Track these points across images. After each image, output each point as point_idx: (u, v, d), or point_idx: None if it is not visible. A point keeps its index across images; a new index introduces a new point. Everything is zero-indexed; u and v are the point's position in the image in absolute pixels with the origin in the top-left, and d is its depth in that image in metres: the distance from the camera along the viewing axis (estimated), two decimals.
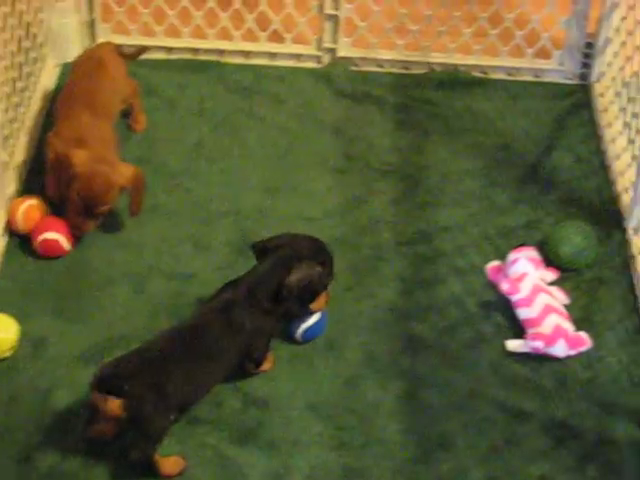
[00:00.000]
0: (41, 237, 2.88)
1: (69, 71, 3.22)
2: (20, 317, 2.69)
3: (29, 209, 2.93)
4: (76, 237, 2.91)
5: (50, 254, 2.89)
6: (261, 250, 2.68)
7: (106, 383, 2.34)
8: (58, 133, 2.98)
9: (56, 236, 2.88)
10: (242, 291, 2.57)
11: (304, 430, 2.53)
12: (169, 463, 2.43)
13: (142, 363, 2.40)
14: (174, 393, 2.39)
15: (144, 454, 2.39)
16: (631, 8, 3.17)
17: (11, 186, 3.00)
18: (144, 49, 3.36)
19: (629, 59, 3.20)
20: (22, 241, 2.93)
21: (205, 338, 2.50)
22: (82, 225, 2.89)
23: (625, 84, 3.24)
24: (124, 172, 2.90)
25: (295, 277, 2.57)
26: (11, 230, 2.93)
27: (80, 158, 2.86)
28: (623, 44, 3.26)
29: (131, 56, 3.32)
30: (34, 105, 3.27)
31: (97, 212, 2.88)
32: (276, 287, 2.57)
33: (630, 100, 3.17)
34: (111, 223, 2.98)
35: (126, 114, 3.21)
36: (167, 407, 2.40)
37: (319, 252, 2.68)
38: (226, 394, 2.59)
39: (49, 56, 3.45)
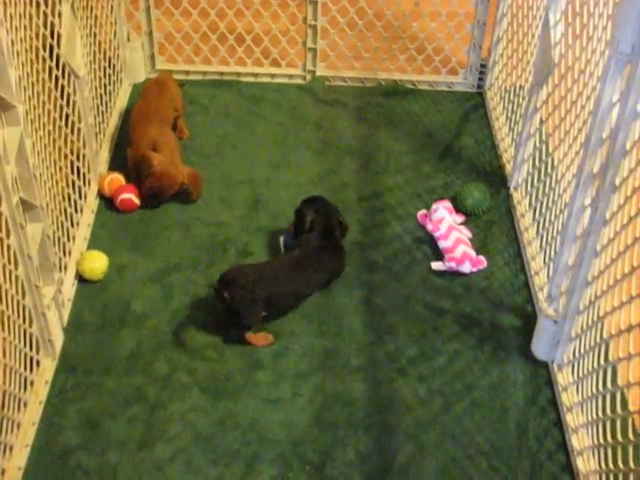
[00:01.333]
0: (120, 197, 2.84)
1: (139, 94, 3.16)
2: (108, 252, 2.67)
3: (112, 180, 2.89)
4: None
5: (126, 208, 2.85)
6: (302, 212, 2.65)
7: (222, 281, 2.42)
8: (136, 141, 2.92)
9: (129, 195, 2.84)
10: (321, 238, 2.60)
11: (297, 325, 2.52)
12: (259, 338, 2.46)
13: (241, 271, 2.46)
14: (263, 297, 2.42)
15: (237, 334, 2.44)
16: (509, 41, 3.14)
17: (100, 166, 2.96)
18: (183, 84, 3.35)
19: (509, 74, 3.17)
20: (108, 203, 2.89)
21: (298, 269, 2.53)
22: (152, 203, 2.87)
23: (507, 91, 3.21)
24: (185, 173, 2.86)
25: (344, 222, 2.67)
26: (100, 194, 2.89)
27: (158, 160, 2.81)
28: (505, 65, 3.23)
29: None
30: (115, 112, 3.22)
31: (165, 198, 2.87)
32: (333, 231, 2.62)
33: (510, 102, 3.14)
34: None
35: (173, 127, 3.14)
36: (256, 304, 2.41)
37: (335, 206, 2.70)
38: None
39: (124, 78, 3.40)
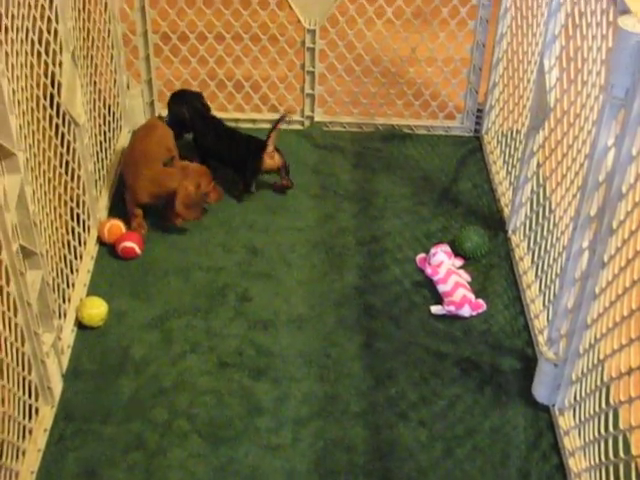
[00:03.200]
0: (121, 245, 2.84)
1: (131, 137, 3.20)
2: (107, 298, 2.67)
3: (111, 226, 2.90)
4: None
5: (128, 256, 2.85)
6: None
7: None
8: (132, 184, 2.95)
9: (131, 244, 2.85)
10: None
11: (297, 370, 2.51)
12: None
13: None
14: None
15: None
16: (505, 86, 3.17)
17: (100, 213, 2.97)
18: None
19: (505, 119, 3.20)
20: (107, 249, 2.90)
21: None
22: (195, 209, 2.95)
23: (503, 135, 3.24)
24: (184, 184, 2.89)
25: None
26: (100, 241, 2.90)
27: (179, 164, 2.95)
28: (501, 109, 3.26)
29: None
30: (114, 158, 3.25)
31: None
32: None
33: (507, 145, 3.17)
34: (168, 235, 2.94)
35: None
36: None
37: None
38: (245, 346, 2.57)
39: (124, 126, 3.43)
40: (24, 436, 2.22)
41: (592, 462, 2.14)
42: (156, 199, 2.91)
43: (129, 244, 2.84)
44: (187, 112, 3.21)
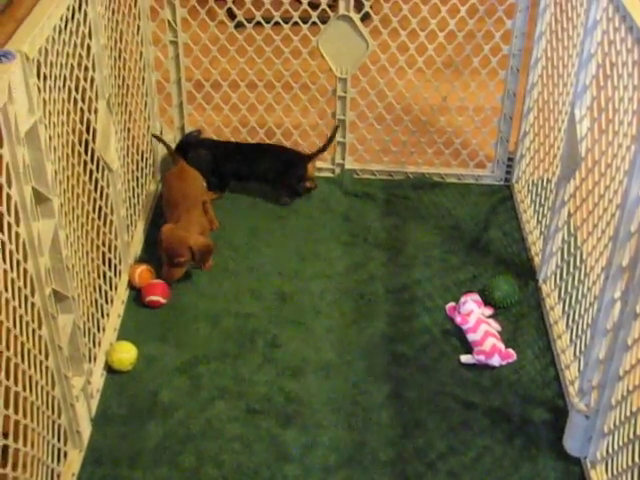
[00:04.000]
0: (148, 298, 2.87)
1: (163, 184, 3.26)
2: (137, 342, 2.69)
3: (142, 271, 2.93)
4: (169, 283, 2.91)
5: (154, 307, 2.87)
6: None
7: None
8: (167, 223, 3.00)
9: (157, 298, 2.87)
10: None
11: (325, 417, 2.51)
12: None
13: None
14: None
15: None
16: (536, 135, 3.19)
17: (131, 258, 3.01)
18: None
19: (536, 168, 3.21)
20: (138, 293, 2.92)
21: None
22: (169, 273, 2.89)
23: (534, 184, 3.24)
24: (195, 239, 2.88)
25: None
26: (131, 285, 2.93)
27: (167, 228, 2.91)
28: (532, 158, 3.27)
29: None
30: (146, 204, 3.29)
31: (176, 261, 2.86)
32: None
33: (537, 195, 3.17)
34: (197, 281, 2.97)
35: None
36: None
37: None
38: (273, 393, 2.57)
39: (157, 171, 3.47)
40: None
41: None
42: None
43: (154, 298, 2.87)
44: (205, 151, 3.38)
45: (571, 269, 2.72)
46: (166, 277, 2.90)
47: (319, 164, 3.56)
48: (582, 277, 2.59)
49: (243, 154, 3.40)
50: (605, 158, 2.38)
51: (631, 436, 2.11)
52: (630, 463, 2.11)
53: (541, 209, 3.11)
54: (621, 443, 2.17)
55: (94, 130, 2.57)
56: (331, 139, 3.41)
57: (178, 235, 2.88)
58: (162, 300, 2.88)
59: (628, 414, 2.13)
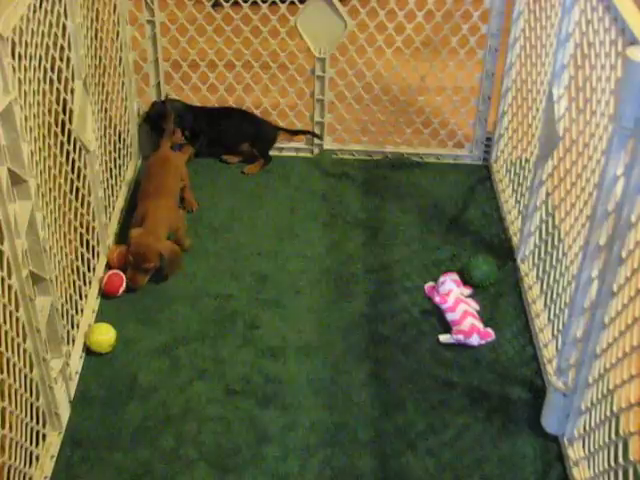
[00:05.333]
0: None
1: (145, 168, 3.21)
2: (116, 324, 2.68)
3: (120, 253, 2.90)
4: (133, 289, 2.86)
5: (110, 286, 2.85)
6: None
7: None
8: (135, 220, 2.95)
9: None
10: None
11: (305, 398, 2.51)
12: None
13: None
14: None
15: None
16: (514, 115, 3.19)
17: (109, 239, 2.99)
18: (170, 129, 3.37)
19: (514, 147, 3.21)
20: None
21: None
22: (134, 278, 2.84)
23: (512, 164, 3.25)
24: (164, 245, 2.84)
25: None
26: (109, 267, 2.91)
27: (135, 233, 2.85)
28: (510, 138, 3.27)
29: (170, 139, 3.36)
30: (124, 185, 3.27)
31: (143, 267, 2.82)
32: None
33: (515, 174, 3.18)
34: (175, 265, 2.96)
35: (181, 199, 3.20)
36: None
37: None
38: (253, 373, 2.57)
39: (134, 152, 3.45)
40: (31, 462, 2.22)
41: None
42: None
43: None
44: (171, 108, 3.36)
45: (549, 248, 2.73)
46: (131, 282, 2.85)
47: (298, 145, 3.55)
48: (560, 256, 2.60)
49: (215, 116, 3.48)
50: (583, 137, 2.38)
51: (608, 414, 2.13)
52: (607, 440, 2.13)
53: (519, 188, 3.12)
54: (598, 421, 2.19)
55: (71, 111, 2.55)
56: (304, 132, 3.49)
57: (147, 241, 2.82)
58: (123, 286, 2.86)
59: (605, 392, 2.15)
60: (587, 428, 2.28)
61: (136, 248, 2.82)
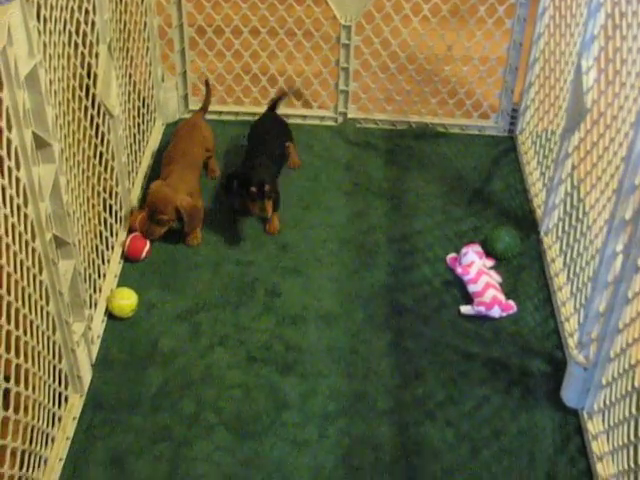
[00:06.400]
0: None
1: (172, 134, 3.19)
2: (138, 289, 2.69)
3: (143, 218, 2.90)
4: (149, 240, 2.86)
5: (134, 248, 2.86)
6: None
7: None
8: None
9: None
10: None
11: (325, 366, 2.52)
12: None
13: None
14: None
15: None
16: (541, 86, 3.15)
17: (132, 204, 2.99)
18: (208, 86, 3.37)
19: (540, 119, 3.18)
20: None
21: None
22: (149, 229, 2.84)
23: (538, 136, 3.22)
24: (182, 199, 2.82)
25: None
26: (132, 232, 2.91)
27: (155, 184, 2.86)
28: (537, 109, 3.24)
29: (207, 103, 3.35)
30: (147, 150, 3.27)
31: (157, 218, 2.82)
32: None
33: (541, 146, 3.15)
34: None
35: (205, 167, 3.20)
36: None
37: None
38: (273, 341, 2.58)
39: (158, 118, 3.45)
40: (53, 423, 2.24)
41: (621, 467, 2.13)
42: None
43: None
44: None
45: (573, 222, 2.71)
46: (146, 233, 2.85)
47: (322, 113, 3.53)
48: (584, 230, 2.58)
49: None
50: (611, 110, 2.36)
51: (629, 388, 2.12)
52: (627, 415, 2.12)
53: (544, 161, 3.10)
54: (619, 395, 2.18)
55: (95, 75, 2.55)
56: (280, 98, 3.40)
57: (165, 192, 2.82)
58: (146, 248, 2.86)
59: (626, 367, 2.14)
60: (607, 402, 2.27)
61: (152, 199, 2.82)
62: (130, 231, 2.90)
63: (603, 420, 2.30)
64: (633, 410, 2.10)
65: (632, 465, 2.07)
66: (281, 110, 3.47)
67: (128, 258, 2.84)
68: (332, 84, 3.48)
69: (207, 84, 3.36)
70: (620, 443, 2.15)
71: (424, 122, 3.53)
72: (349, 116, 3.54)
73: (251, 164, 2.93)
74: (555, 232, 2.91)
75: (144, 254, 2.84)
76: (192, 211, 2.85)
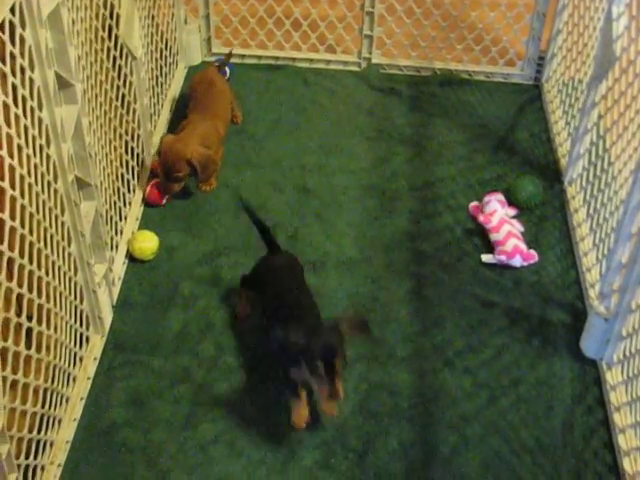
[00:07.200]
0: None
1: (189, 88, 3.14)
2: (159, 233, 2.70)
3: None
4: (166, 195, 2.85)
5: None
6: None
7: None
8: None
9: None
10: None
11: (344, 311, 2.52)
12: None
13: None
14: None
15: None
16: (569, 34, 3.10)
17: (154, 148, 2.98)
18: (230, 55, 3.30)
19: (567, 68, 3.13)
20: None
21: None
22: (166, 187, 2.82)
23: (564, 84, 3.17)
24: (193, 150, 2.77)
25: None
26: (153, 175, 2.91)
27: (166, 140, 2.82)
28: (564, 57, 3.19)
29: (224, 64, 3.27)
30: (169, 94, 3.25)
31: (173, 176, 2.78)
32: None
33: (567, 95, 3.10)
34: (219, 173, 2.95)
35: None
36: None
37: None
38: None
39: (180, 61, 3.42)
40: (75, 363, 2.27)
41: (638, 418, 2.13)
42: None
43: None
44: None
45: (598, 172, 2.68)
46: (164, 190, 2.83)
47: (346, 58, 3.49)
48: (609, 180, 2.55)
49: None
50: None
51: None
52: None
53: (570, 110, 3.05)
54: (638, 347, 2.17)
55: (117, 16, 2.52)
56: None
57: (176, 149, 2.77)
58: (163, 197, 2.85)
59: None
60: (627, 353, 2.26)
61: (164, 157, 2.78)
62: (152, 176, 2.90)
63: (622, 371, 2.30)
64: None
65: None
66: (304, 53, 3.43)
67: (149, 203, 2.84)
68: (356, 29, 3.43)
69: (230, 52, 3.31)
70: (639, 394, 2.14)
71: (449, 69, 3.48)
72: (373, 61, 3.50)
73: (299, 325, 2.09)
74: (579, 182, 2.87)
75: (164, 200, 2.83)
76: (205, 161, 2.80)
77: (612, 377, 2.33)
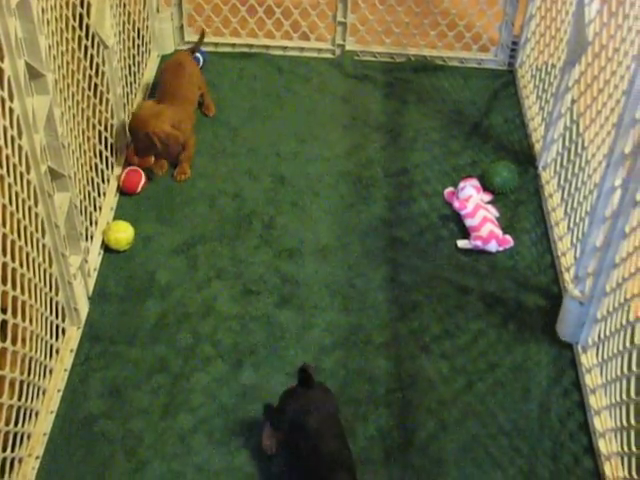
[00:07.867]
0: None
1: (159, 72, 3.14)
2: (134, 222, 2.69)
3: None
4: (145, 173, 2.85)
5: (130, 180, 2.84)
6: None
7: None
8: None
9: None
10: None
11: (321, 299, 2.53)
12: None
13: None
14: None
15: None
16: (542, 18, 3.10)
17: (127, 137, 2.96)
18: (202, 37, 3.28)
19: (540, 52, 3.14)
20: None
21: None
22: (138, 161, 2.84)
23: (538, 69, 3.18)
24: (155, 125, 2.75)
25: None
26: (128, 164, 2.89)
27: (143, 106, 2.85)
28: (537, 42, 3.19)
29: (196, 48, 3.26)
30: (143, 83, 3.23)
31: (137, 148, 2.80)
32: None
33: (541, 80, 3.11)
34: (194, 162, 2.94)
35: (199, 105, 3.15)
36: None
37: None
38: (270, 274, 2.58)
39: (153, 50, 3.40)
40: (51, 355, 2.26)
41: (613, 400, 2.15)
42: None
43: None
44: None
45: (572, 156, 2.69)
46: (138, 163, 2.84)
47: (320, 45, 3.48)
48: (583, 164, 2.56)
49: None
50: (613, 42, 2.32)
51: (623, 322, 2.13)
52: (621, 348, 2.14)
53: (544, 95, 3.06)
54: (613, 329, 2.19)
55: (89, 4, 2.50)
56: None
57: (143, 119, 2.76)
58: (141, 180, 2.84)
59: (622, 301, 2.15)
60: (601, 336, 2.28)
61: (130, 123, 2.80)
62: (126, 164, 2.88)
63: (597, 354, 2.32)
64: (627, 344, 2.11)
65: (624, 397, 2.09)
66: (277, 41, 3.42)
67: (124, 191, 2.82)
68: (330, 15, 3.42)
69: (202, 34, 3.29)
70: (613, 376, 2.16)
71: (423, 55, 3.48)
72: (347, 48, 3.49)
73: None
74: (553, 167, 2.89)
75: (139, 188, 2.82)
76: (166, 139, 2.77)
77: (587, 360, 2.35)
